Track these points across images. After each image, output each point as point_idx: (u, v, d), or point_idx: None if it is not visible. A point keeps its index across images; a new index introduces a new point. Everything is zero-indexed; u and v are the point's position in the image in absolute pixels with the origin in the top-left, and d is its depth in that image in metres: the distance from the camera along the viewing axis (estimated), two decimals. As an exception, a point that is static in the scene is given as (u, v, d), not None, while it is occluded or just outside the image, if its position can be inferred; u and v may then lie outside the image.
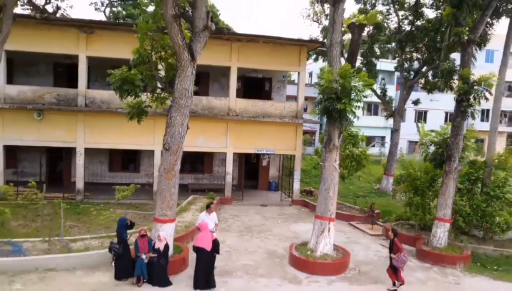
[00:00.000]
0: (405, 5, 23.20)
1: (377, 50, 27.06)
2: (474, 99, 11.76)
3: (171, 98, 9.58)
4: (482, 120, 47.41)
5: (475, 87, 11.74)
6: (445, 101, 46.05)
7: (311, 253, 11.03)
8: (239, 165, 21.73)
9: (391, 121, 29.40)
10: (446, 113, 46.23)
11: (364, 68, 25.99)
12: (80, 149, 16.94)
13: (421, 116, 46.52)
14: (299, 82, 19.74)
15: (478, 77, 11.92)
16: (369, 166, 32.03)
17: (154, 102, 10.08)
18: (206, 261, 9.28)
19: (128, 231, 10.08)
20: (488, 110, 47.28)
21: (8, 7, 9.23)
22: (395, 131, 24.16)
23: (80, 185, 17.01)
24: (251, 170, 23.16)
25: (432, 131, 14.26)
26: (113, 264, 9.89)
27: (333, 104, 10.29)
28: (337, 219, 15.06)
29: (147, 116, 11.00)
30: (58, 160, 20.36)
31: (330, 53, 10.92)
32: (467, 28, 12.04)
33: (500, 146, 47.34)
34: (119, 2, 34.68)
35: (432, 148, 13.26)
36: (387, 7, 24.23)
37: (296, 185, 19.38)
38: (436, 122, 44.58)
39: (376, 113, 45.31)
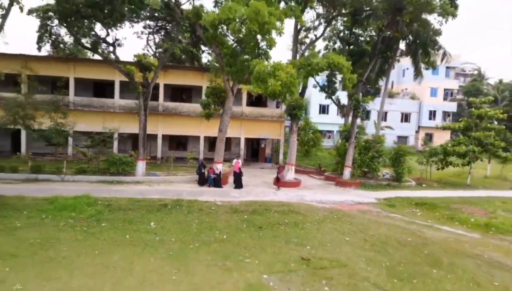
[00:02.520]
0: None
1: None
2: (360, 109, 24.01)
3: (222, 109, 21.80)
4: (430, 119, 59.59)
5: (361, 103, 23.97)
6: (400, 104, 58.16)
7: (282, 178, 23.29)
8: (246, 147, 33.97)
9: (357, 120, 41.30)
10: (402, 113, 58.23)
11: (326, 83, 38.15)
12: (159, 135, 29.20)
13: (382, 116, 58.54)
14: (283, 96, 32.00)
15: (363, 98, 24.16)
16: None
17: (214, 111, 22.33)
18: (238, 177, 21.54)
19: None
20: (435, 111, 59.55)
21: (158, 70, 21.44)
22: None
23: (159, 155, 29.27)
24: (254, 151, 35.50)
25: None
26: (196, 181, 22.20)
27: (292, 111, 22.56)
28: (302, 173, 27.33)
29: (195, 117, 23.24)
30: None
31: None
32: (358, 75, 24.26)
33: (444, 139, 59.35)
34: (159, 35, 46.01)
35: (344, 133, 25.61)
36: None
37: (281, 156, 31.71)
38: (394, 119, 56.84)
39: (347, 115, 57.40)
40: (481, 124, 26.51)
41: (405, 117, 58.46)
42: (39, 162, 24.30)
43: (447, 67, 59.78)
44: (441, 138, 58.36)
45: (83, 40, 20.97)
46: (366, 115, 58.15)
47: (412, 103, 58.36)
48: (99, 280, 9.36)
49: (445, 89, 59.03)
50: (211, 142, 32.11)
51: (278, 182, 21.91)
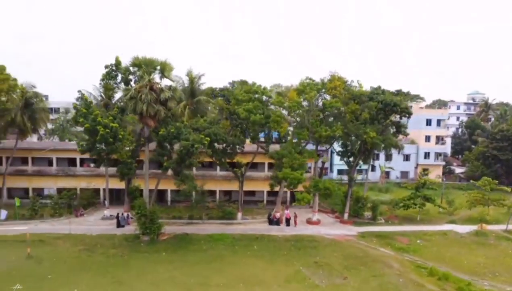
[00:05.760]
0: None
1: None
2: (353, 182, 42.56)
3: (280, 186, 41.28)
4: (425, 158, 75.41)
5: (353, 178, 42.47)
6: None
7: (310, 219, 42.35)
8: (290, 194, 53.30)
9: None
10: (403, 154, 74.42)
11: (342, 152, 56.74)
12: (241, 191, 49.25)
13: (388, 157, 74.82)
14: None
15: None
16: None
17: (275, 186, 41.82)
18: (288, 220, 40.88)
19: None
20: (429, 152, 75.52)
21: (248, 167, 41.48)
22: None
23: (241, 201, 49.29)
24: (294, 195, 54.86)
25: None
26: (266, 222, 41.84)
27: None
28: (322, 212, 46.45)
29: (261, 179, 43.15)
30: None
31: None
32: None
33: (436, 172, 74.69)
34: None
35: (343, 193, 44.25)
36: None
37: (311, 201, 50.71)
38: (397, 159, 73.50)
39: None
40: (425, 185, 44.15)
41: (406, 157, 74.80)
42: (180, 208, 45.29)
43: (438, 120, 76.15)
44: (434, 172, 74.38)
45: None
46: (377, 157, 75.95)
47: (411, 147, 74.75)
48: (251, 268, 29.14)
49: (436, 136, 75.02)
50: (269, 192, 51.67)
51: (287, 222, 40.68)
